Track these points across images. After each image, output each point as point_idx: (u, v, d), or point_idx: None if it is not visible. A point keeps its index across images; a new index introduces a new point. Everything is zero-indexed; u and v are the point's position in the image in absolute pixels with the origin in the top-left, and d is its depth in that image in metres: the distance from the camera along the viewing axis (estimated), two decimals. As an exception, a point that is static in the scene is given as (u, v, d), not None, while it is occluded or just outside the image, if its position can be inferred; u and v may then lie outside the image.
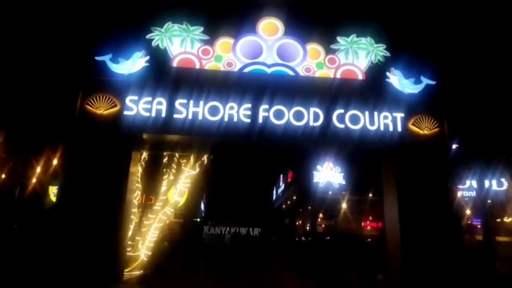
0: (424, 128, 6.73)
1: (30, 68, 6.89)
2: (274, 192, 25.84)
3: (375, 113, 6.67)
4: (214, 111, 6.44)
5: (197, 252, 27.39)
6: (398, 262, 6.30)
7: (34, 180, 9.31)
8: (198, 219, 36.43)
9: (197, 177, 11.52)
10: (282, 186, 21.37)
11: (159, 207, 8.85)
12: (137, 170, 7.99)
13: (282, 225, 25.24)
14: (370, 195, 14.87)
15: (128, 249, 8.36)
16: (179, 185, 9.34)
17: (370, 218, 15.73)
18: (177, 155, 8.74)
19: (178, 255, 15.52)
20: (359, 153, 7.37)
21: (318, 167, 14.48)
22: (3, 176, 8.63)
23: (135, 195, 8.60)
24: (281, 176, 21.61)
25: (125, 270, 7.98)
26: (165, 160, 8.71)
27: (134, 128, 6.22)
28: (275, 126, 6.51)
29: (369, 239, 13.83)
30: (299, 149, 7.52)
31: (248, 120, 6.47)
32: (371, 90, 6.87)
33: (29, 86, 6.82)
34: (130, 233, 8.35)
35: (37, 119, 6.81)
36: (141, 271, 8.56)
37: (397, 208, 6.44)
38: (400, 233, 6.38)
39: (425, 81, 7.13)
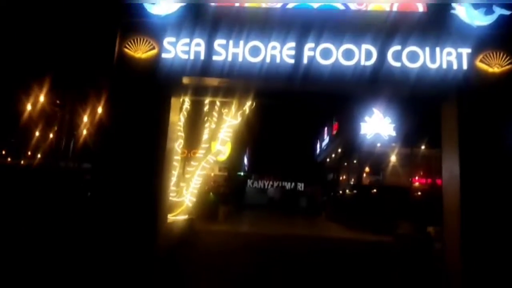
0: (494, 65, 5.89)
1: (67, 14, 6.79)
2: (318, 146, 25.36)
3: (437, 49, 5.90)
4: (255, 51, 6.03)
5: (241, 204, 28.18)
6: (455, 221, 5.74)
7: (84, 132, 9.67)
8: (242, 173, 37.23)
9: (239, 128, 11.41)
10: (326, 139, 20.83)
11: (201, 155, 8.85)
12: (178, 119, 7.93)
13: (326, 180, 25.02)
14: (423, 147, 14.04)
15: (173, 194, 8.54)
16: (221, 134, 9.24)
17: (421, 172, 14.97)
18: (218, 103, 8.55)
19: (223, 205, 16.03)
20: (415, 97, 6.66)
21: (366, 118, 13.75)
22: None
23: (178, 143, 8.64)
24: (326, 128, 21.00)
25: (170, 215, 8.20)
26: (206, 108, 8.56)
27: (173, 71, 6.01)
28: (321, 67, 6.01)
29: (419, 193, 13.23)
30: (347, 94, 6.93)
31: (292, 61, 6.01)
32: (433, 23, 6.06)
33: (66, 32, 6.76)
34: (174, 179, 8.50)
35: (77, 66, 6.81)
36: (186, 216, 8.78)
37: (458, 160, 5.77)
38: (460, 189, 5.64)
39: (498, 11, 6.15)
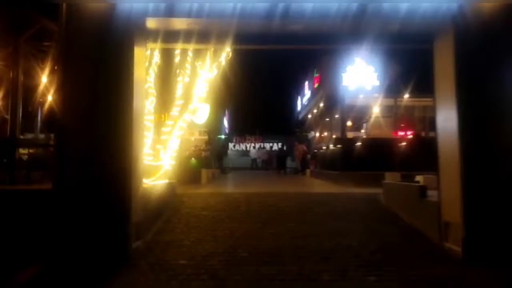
0: (493, -7, 5.37)
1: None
2: (299, 102, 24.86)
3: (430, -23, 5.33)
4: (227, -13, 5.29)
5: (224, 167, 27.85)
6: (453, 171, 5.34)
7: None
8: (223, 136, 36.69)
9: (216, 85, 10.74)
10: (307, 94, 20.30)
11: (176, 113, 8.22)
12: (146, 73, 7.22)
13: (307, 138, 24.79)
14: (406, 96, 13.75)
15: (149, 158, 7.98)
16: (197, 90, 8.58)
17: (405, 123, 14.77)
18: (190, 53, 7.82)
19: (205, 169, 15.62)
20: (404, 36, 6.12)
21: (348, 67, 13.23)
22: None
23: (150, 102, 7.97)
24: (306, 83, 20.43)
25: (148, 180, 7.69)
26: (177, 59, 7.81)
27: (134, 13, 5.23)
28: (303, 3, 5.36)
29: (404, 143, 13.08)
30: (331, 34, 6.32)
31: (270, -4, 5.32)
32: None
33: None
34: (149, 142, 7.90)
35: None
36: (166, 180, 8.28)
37: (454, 105, 5.29)
38: (458, 137, 5.18)
39: None
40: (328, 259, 5.17)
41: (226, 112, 34.58)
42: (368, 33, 6.18)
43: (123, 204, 5.13)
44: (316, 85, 16.75)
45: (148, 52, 7.31)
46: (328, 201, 8.37)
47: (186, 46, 6.65)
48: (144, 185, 6.68)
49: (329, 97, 14.65)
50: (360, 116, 15.28)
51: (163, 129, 8.34)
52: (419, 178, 9.82)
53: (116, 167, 5.16)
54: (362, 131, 15.77)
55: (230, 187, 13.41)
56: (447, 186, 5.62)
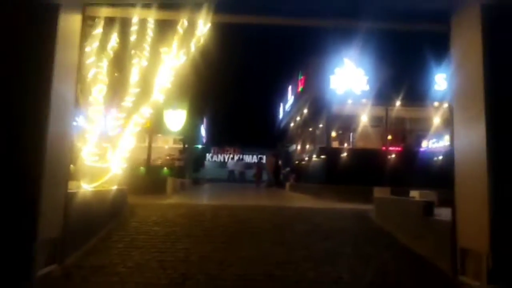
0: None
1: None
2: (281, 109, 23.72)
3: None
4: None
5: (199, 178, 26.29)
6: (478, 188, 4.09)
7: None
8: (200, 146, 35.19)
9: (188, 78, 9.45)
10: (290, 100, 19.16)
11: (130, 104, 6.80)
12: (82, 50, 5.88)
13: (288, 149, 23.69)
14: (398, 104, 12.78)
15: (93, 159, 6.54)
16: (159, 79, 7.23)
17: (393, 137, 13.77)
18: (150, 32, 6.49)
19: (176, 178, 14.20)
20: (416, 13, 4.99)
21: (337, 69, 12.18)
22: None
23: (99, 90, 6.57)
24: (290, 88, 19.32)
25: (91, 185, 6.25)
26: (133, 38, 6.45)
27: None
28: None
29: (396, 155, 12.04)
30: (330, 13, 5.11)
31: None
32: None
33: None
34: (93, 138, 6.47)
35: None
36: (116, 187, 6.83)
37: (481, 105, 4.13)
38: (487, 149, 3.90)
39: None
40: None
41: (204, 120, 33.14)
42: (374, 9, 4.99)
43: (27, 214, 3.70)
44: (300, 88, 15.64)
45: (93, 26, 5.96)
46: (310, 217, 7.11)
47: (144, 13, 5.32)
48: (79, 191, 5.27)
49: (315, 101, 13.54)
50: (346, 125, 14.23)
51: (114, 123, 6.89)
52: (414, 193, 8.70)
53: (23, 166, 3.75)
54: (346, 143, 14.72)
55: (198, 198, 11.97)
56: (466, 204, 4.41)
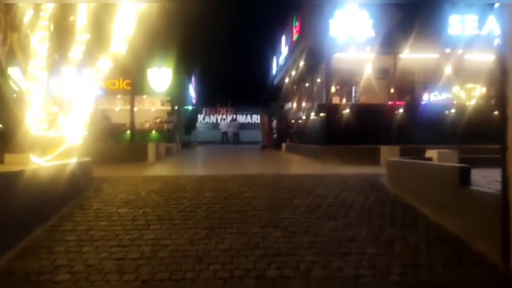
0: None
1: None
2: (274, 64, 22.08)
3: None
4: None
5: (190, 141, 25.22)
6: None
7: None
8: (190, 107, 33.75)
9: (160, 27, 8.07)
10: (284, 51, 17.51)
11: (80, 55, 5.44)
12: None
13: (283, 106, 22.41)
14: (407, 51, 11.42)
15: (41, 126, 5.31)
16: (118, 25, 5.82)
17: (398, 89, 12.49)
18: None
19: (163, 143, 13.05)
20: None
21: (337, 12, 10.67)
22: None
23: (40, 39, 5.20)
24: (283, 38, 17.62)
25: (42, 159, 5.10)
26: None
27: None
28: None
29: (405, 110, 10.89)
30: None
31: None
32: None
33: None
34: (38, 101, 5.19)
35: None
36: (77, 160, 5.65)
37: None
38: None
39: None
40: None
41: (193, 79, 31.37)
42: None
43: None
44: (295, 36, 14.03)
45: None
46: (312, 187, 6.01)
47: None
48: (19, 170, 4.11)
49: (312, 51, 12.08)
50: (348, 78, 12.87)
51: (62, 81, 5.55)
52: (431, 153, 7.65)
53: None
54: (348, 98, 13.42)
55: (183, 167, 10.83)
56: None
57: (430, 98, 14.25)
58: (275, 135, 23.86)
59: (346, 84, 13.21)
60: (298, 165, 10.72)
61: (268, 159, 13.50)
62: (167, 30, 19.15)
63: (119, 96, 21.56)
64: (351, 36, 10.86)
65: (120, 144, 11.64)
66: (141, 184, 6.30)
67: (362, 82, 12.15)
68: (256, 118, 38.42)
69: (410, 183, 5.56)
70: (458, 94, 13.40)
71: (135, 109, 23.34)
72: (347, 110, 11.23)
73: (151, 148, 10.89)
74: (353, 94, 13.45)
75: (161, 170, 9.38)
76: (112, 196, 5.55)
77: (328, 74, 11.57)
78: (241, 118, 39.40)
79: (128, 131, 18.62)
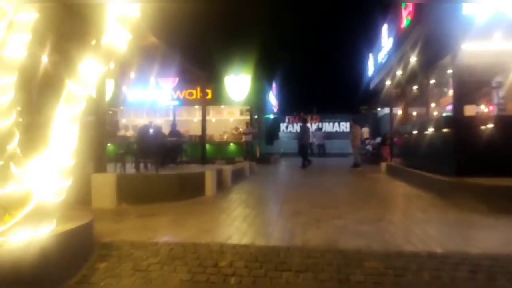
0: None
1: None
2: (371, 63, 18.67)
3: None
4: None
5: (271, 153, 22.95)
6: None
7: None
8: (271, 116, 31.71)
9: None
10: (387, 45, 14.02)
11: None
12: None
13: (375, 116, 18.98)
14: None
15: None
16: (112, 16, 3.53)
17: None
18: None
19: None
20: None
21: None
22: None
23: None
24: (385, 27, 14.24)
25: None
26: None
27: None
28: None
29: None
30: None
31: None
32: None
33: None
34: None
35: None
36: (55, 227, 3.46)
37: None
38: None
39: None
40: None
41: (274, 85, 29.20)
42: None
43: None
44: (405, 20, 10.65)
45: None
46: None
47: None
48: None
49: (431, 40, 8.80)
50: (488, 77, 9.28)
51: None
52: None
53: None
54: (488, 106, 9.73)
55: (251, 215, 7.97)
56: None
57: None
58: (367, 146, 20.43)
59: (484, 85, 9.56)
60: (423, 216, 6.79)
61: (368, 194, 9.89)
62: (245, 33, 17.64)
63: (196, 106, 20.83)
64: (498, 13, 7.40)
65: (168, 170, 9.56)
66: (159, 264, 3.89)
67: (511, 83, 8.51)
68: (345, 126, 35.06)
69: None
70: None
71: (213, 119, 22.17)
72: (491, 125, 7.76)
73: (208, 178, 8.55)
74: (495, 101, 9.75)
75: (217, 219, 6.57)
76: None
77: (458, 71, 8.18)
78: (328, 127, 36.48)
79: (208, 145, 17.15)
